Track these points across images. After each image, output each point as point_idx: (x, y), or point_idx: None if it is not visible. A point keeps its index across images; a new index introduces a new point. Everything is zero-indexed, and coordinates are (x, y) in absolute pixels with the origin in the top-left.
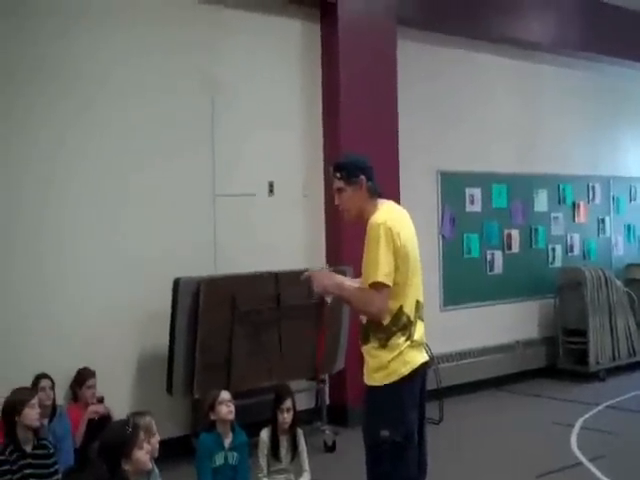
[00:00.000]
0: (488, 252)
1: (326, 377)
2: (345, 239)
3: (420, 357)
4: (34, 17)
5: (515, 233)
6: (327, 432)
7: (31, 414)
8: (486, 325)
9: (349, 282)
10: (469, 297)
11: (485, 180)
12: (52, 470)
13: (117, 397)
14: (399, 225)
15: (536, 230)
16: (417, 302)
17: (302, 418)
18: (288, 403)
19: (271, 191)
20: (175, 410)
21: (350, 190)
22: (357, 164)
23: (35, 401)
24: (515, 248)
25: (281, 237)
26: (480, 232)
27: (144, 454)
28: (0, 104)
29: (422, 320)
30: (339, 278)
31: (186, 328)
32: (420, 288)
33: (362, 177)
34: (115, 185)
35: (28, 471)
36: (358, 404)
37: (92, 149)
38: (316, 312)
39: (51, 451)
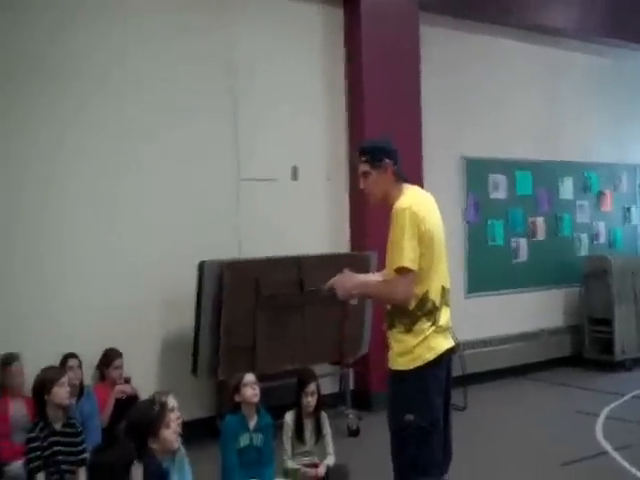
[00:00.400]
0: (513, 239)
1: (350, 362)
2: (369, 224)
3: (445, 343)
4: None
5: (540, 221)
6: (351, 416)
7: (61, 393)
8: (511, 313)
9: (371, 277)
10: (494, 284)
11: (509, 167)
12: (80, 448)
13: (143, 378)
14: (424, 210)
15: (561, 218)
16: (443, 288)
17: (326, 402)
18: (312, 387)
19: (295, 176)
20: (200, 391)
21: (375, 174)
22: (382, 148)
23: (65, 380)
24: (540, 236)
25: (305, 222)
26: (505, 219)
27: (171, 433)
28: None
29: (448, 306)
30: (360, 277)
31: (211, 311)
32: (446, 273)
33: (387, 161)
34: (142, 169)
35: (57, 448)
36: (382, 389)
37: (115, 132)
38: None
39: (79, 429)
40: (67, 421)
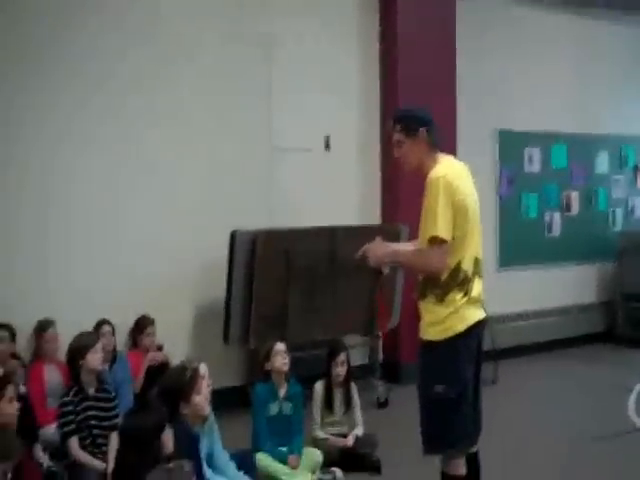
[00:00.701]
0: (547, 213)
1: (380, 334)
2: (401, 196)
3: (477, 314)
4: None
5: (575, 195)
6: (380, 388)
7: (94, 358)
8: (543, 287)
9: (403, 246)
10: (526, 259)
11: (544, 140)
12: (113, 413)
13: (175, 345)
14: (459, 179)
15: (596, 192)
16: (475, 258)
17: (355, 374)
18: (342, 357)
19: (327, 146)
20: (231, 360)
21: (409, 143)
22: (417, 116)
23: (99, 346)
24: (574, 210)
25: (337, 192)
26: (539, 193)
27: (202, 399)
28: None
29: (480, 277)
30: (393, 245)
31: (242, 279)
32: (479, 245)
33: (421, 129)
34: (176, 139)
35: (90, 413)
36: (411, 361)
37: (152, 99)
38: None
39: (112, 395)
40: (100, 386)
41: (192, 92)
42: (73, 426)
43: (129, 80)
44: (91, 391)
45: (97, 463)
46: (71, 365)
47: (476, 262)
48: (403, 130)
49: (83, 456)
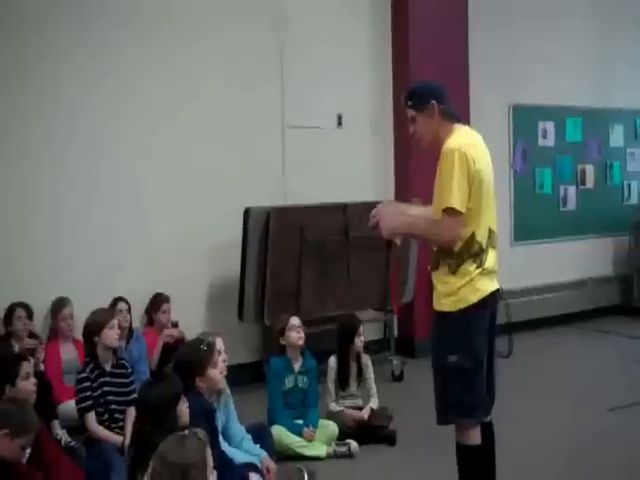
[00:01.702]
0: (561, 187)
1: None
2: (414, 171)
3: (491, 285)
4: None
5: (589, 168)
6: (395, 362)
7: (111, 334)
8: (558, 261)
9: (415, 211)
10: (541, 233)
11: (559, 114)
12: (129, 389)
13: (190, 322)
14: (474, 150)
15: (611, 166)
16: (490, 230)
17: (370, 348)
18: (361, 328)
19: (340, 124)
20: (246, 336)
21: (423, 117)
22: (428, 89)
23: (115, 322)
24: (589, 184)
25: (349, 169)
26: (553, 167)
27: (218, 373)
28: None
29: (494, 248)
30: (405, 215)
31: (256, 256)
32: (494, 216)
33: (433, 102)
34: (185, 115)
35: (107, 388)
36: (425, 336)
37: (163, 76)
38: (385, 244)
39: (129, 370)
40: (117, 362)
41: (204, 72)
42: (90, 402)
43: (143, 58)
44: (107, 367)
45: (115, 437)
46: (87, 341)
47: (490, 233)
48: (415, 105)
49: (101, 431)
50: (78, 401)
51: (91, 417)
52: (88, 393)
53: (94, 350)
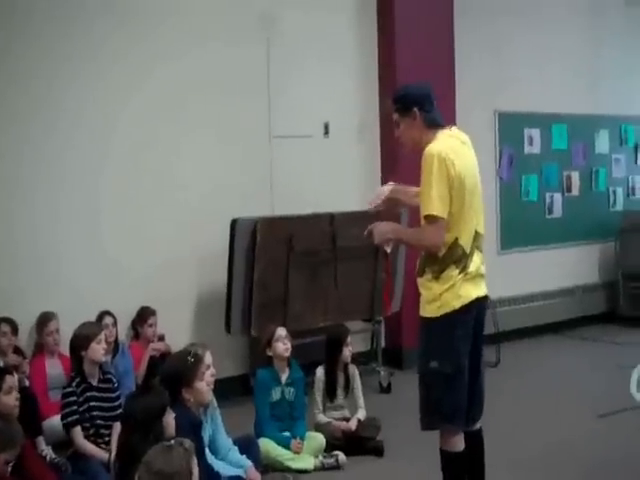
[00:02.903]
0: (547, 194)
1: (382, 319)
2: (401, 179)
3: (475, 291)
4: None
5: (575, 175)
6: (382, 373)
7: (98, 349)
8: (545, 269)
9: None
10: (527, 240)
11: (545, 120)
12: (115, 404)
13: (177, 335)
14: (454, 154)
15: (597, 172)
16: (476, 232)
17: (357, 359)
18: (349, 339)
19: (326, 132)
20: (233, 349)
21: (405, 122)
22: (411, 95)
23: (102, 336)
24: (575, 190)
25: (337, 179)
26: (539, 174)
27: (205, 385)
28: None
29: (480, 251)
30: (395, 223)
31: (243, 267)
32: (481, 218)
33: (415, 109)
34: (171, 126)
35: (93, 403)
36: (413, 346)
37: (146, 89)
38: (372, 254)
39: (115, 385)
40: (103, 377)
41: (189, 80)
42: (76, 416)
43: (130, 66)
44: (94, 381)
45: (101, 453)
46: (73, 355)
47: (476, 236)
48: (399, 110)
49: (87, 446)
50: (64, 416)
51: (77, 431)
52: (74, 407)
53: (81, 364)
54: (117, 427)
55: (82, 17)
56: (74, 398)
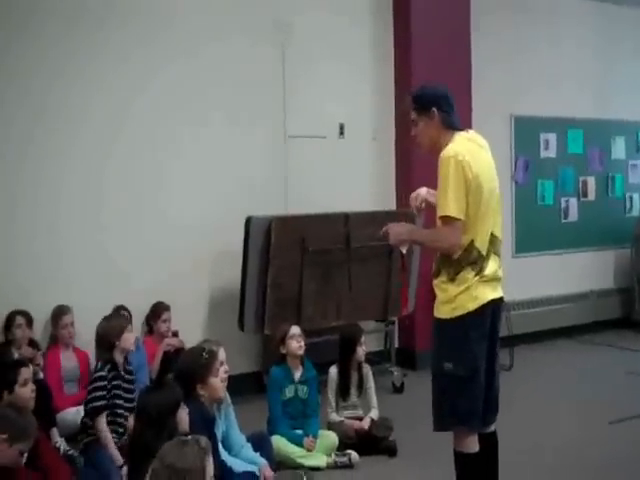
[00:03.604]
0: (563, 199)
1: (395, 320)
2: (416, 181)
3: (491, 293)
4: None
5: (591, 180)
6: (395, 373)
7: (130, 338)
8: (559, 273)
9: None
10: (542, 245)
11: (561, 125)
12: (133, 396)
13: (191, 332)
14: (470, 156)
15: (613, 178)
16: (492, 235)
17: (370, 359)
18: (363, 338)
19: (341, 133)
20: (246, 346)
21: (423, 122)
22: (430, 95)
23: (131, 326)
24: (591, 196)
25: (351, 179)
26: (555, 179)
27: (219, 381)
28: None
29: (497, 255)
30: (410, 224)
31: (258, 265)
32: (498, 222)
33: (433, 109)
34: (191, 125)
35: (119, 392)
36: (427, 347)
37: (158, 88)
38: (386, 254)
39: (133, 376)
40: (127, 367)
41: (205, 82)
42: (104, 402)
43: (145, 67)
44: (121, 371)
45: (117, 456)
46: (103, 346)
47: (492, 239)
48: (417, 109)
49: (109, 437)
50: (91, 400)
51: (102, 419)
52: (103, 392)
53: (112, 353)
54: (132, 419)
55: (87, 16)
56: (104, 383)
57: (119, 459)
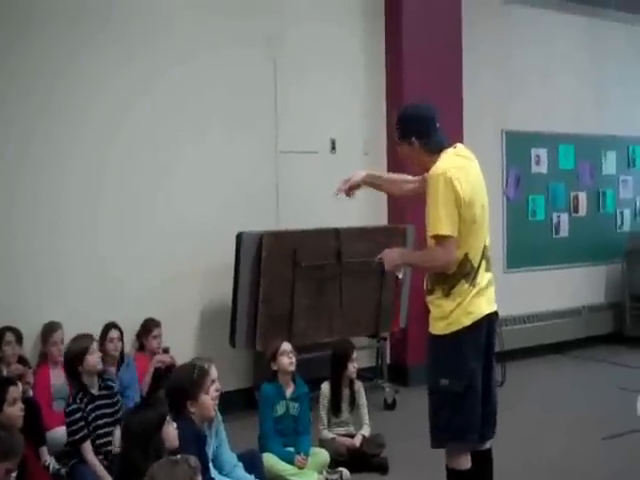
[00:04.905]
0: (554, 214)
1: (387, 336)
2: (406, 198)
3: (486, 307)
4: None
5: (582, 196)
6: (387, 390)
7: (92, 360)
8: (551, 289)
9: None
10: (534, 260)
11: (551, 140)
12: (116, 409)
13: (182, 348)
14: (460, 172)
15: (604, 193)
16: (484, 246)
17: (362, 375)
18: (354, 354)
19: (333, 148)
20: (238, 362)
21: (406, 146)
22: (410, 122)
23: (94, 346)
24: (582, 211)
25: (343, 195)
26: (546, 194)
27: (210, 399)
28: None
29: (488, 262)
30: (402, 249)
31: (249, 281)
32: (487, 234)
33: (413, 139)
34: (176, 140)
35: (98, 412)
36: (419, 363)
37: (156, 103)
38: (378, 270)
39: (114, 391)
40: (103, 384)
41: (197, 96)
42: (85, 432)
43: (135, 82)
44: (94, 391)
45: (104, 474)
46: (71, 370)
47: (484, 250)
48: (399, 134)
49: (97, 465)
50: (71, 433)
51: (87, 447)
52: (82, 424)
53: (79, 378)
54: (116, 432)
55: (88, 17)
56: (80, 414)
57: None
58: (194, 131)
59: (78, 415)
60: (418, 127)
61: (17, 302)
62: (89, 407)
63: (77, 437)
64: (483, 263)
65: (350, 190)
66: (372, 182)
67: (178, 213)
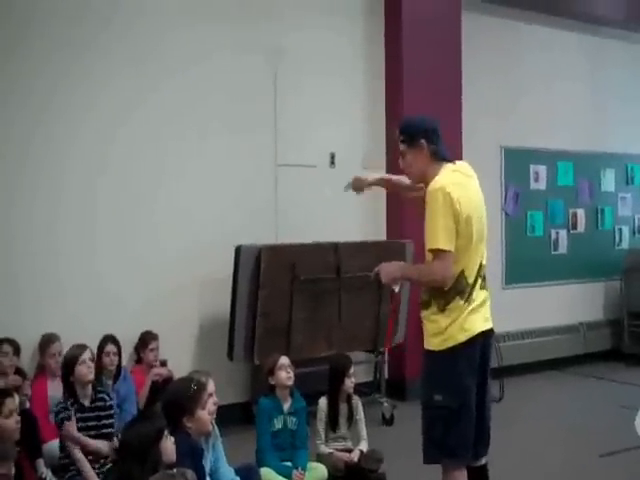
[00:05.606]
0: (553, 231)
1: (385, 350)
2: (406, 211)
3: (481, 324)
4: None
5: (581, 212)
6: (385, 405)
7: (81, 370)
8: (549, 305)
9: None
10: (532, 276)
11: (550, 157)
12: (109, 422)
13: (179, 361)
14: (458, 189)
15: (602, 210)
16: (480, 263)
17: (360, 391)
18: (352, 369)
19: (332, 162)
20: (235, 376)
21: (411, 153)
22: (418, 127)
23: (85, 356)
24: (580, 228)
25: (342, 208)
26: (544, 210)
27: (207, 414)
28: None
29: (484, 280)
30: (400, 263)
31: (247, 295)
32: (484, 251)
33: (422, 141)
34: (178, 153)
35: (89, 423)
36: (416, 378)
37: (148, 117)
38: (376, 285)
39: (108, 403)
40: (96, 396)
41: (196, 109)
42: (69, 412)
43: (137, 84)
44: (86, 402)
45: (98, 442)
46: (65, 380)
47: (480, 268)
48: (405, 141)
49: (82, 438)
50: (58, 420)
51: (72, 425)
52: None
53: (73, 388)
54: (100, 444)
55: (91, 17)
56: (69, 412)
57: (103, 445)
58: (193, 142)
59: (66, 414)
60: (426, 131)
61: (15, 314)
62: (77, 415)
63: (60, 417)
64: (479, 281)
65: (361, 188)
66: (383, 185)
67: (177, 225)
